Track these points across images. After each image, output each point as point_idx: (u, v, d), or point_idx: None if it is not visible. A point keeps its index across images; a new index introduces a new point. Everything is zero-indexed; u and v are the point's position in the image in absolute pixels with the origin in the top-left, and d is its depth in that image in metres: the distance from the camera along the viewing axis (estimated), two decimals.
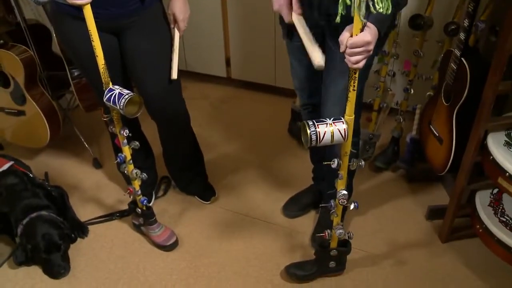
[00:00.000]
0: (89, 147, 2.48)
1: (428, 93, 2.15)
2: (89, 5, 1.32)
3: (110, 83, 1.46)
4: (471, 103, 1.70)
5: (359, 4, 0.94)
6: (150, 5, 1.59)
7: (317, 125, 1.20)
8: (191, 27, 2.77)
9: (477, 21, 1.86)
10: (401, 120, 2.27)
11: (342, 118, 1.22)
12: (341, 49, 1.12)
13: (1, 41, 2.24)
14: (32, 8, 2.77)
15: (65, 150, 2.58)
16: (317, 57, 1.31)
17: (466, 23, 1.73)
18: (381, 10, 0.94)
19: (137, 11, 1.56)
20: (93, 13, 1.34)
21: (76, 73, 2.26)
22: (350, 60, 1.12)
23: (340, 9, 0.98)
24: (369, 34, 1.09)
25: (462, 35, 1.74)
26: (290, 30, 1.53)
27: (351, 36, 1.09)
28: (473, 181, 1.77)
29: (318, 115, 1.58)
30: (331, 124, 1.20)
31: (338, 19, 1.01)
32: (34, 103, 2.27)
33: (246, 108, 2.88)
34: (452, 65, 1.78)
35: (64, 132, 2.44)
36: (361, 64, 1.12)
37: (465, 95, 1.73)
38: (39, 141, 2.40)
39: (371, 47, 1.11)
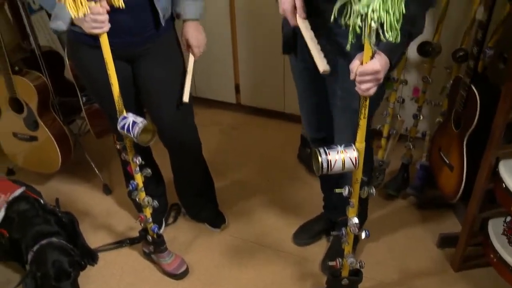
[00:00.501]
0: (100, 173, 2.50)
1: (437, 119, 2.16)
2: (105, 34, 1.35)
3: (124, 111, 1.49)
4: (482, 130, 1.70)
5: (369, 33, 0.96)
6: (164, 32, 1.62)
7: (328, 152, 1.20)
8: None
9: (485, 47, 1.88)
10: (411, 147, 2.27)
11: (353, 145, 1.23)
12: (351, 77, 1.13)
13: (16, 68, 2.28)
14: (46, 35, 2.83)
15: (76, 176, 2.59)
16: (323, 64, 1.31)
17: (474, 50, 1.74)
18: (390, 39, 0.96)
19: (151, 38, 1.59)
20: (108, 41, 1.37)
21: (87, 99, 2.29)
22: (360, 87, 1.13)
23: (350, 37, 1.00)
24: (378, 63, 1.10)
25: (471, 62, 1.76)
26: (294, 42, 1.54)
27: (361, 63, 1.10)
28: (485, 209, 1.76)
29: None
30: (342, 151, 1.21)
31: (348, 47, 1.03)
32: (46, 128, 2.30)
33: (256, 134, 2.89)
34: (462, 92, 1.79)
35: (74, 158, 2.47)
36: (371, 92, 1.13)
37: (475, 122, 1.73)
38: (50, 166, 2.42)
39: (381, 75, 1.12)
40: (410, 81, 2.26)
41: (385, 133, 2.32)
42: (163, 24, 1.57)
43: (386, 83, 2.05)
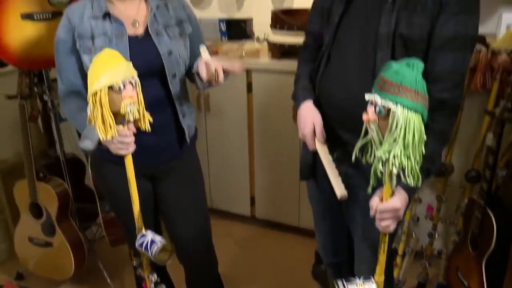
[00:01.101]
0: (111, 282, 2.45)
1: (453, 238, 2.14)
2: (130, 154, 1.42)
3: (143, 229, 1.51)
4: (500, 252, 1.68)
5: (390, 176, 0.98)
6: (187, 151, 1.68)
7: (347, 285, 1.19)
8: (217, 166, 2.91)
9: (497, 168, 1.92)
10: (427, 265, 2.23)
11: (372, 278, 1.21)
12: (371, 213, 1.14)
13: (41, 175, 2.35)
14: (71, 141, 2.95)
15: (87, 283, 2.55)
16: (341, 189, 1.30)
17: (487, 174, 1.79)
18: (412, 184, 0.99)
19: (175, 157, 1.64)
20: (132, 160, 1.42)
21: (105, 208, 2.33)
22: (380, 224, 1.13)
23: (372, 181, 1.03)
24: (399, 201, 1.11)
25: (484, 185, 1.79)
26: (313, 168, 1.55)
27: (381, 200, 1.12)
28: None
29: (342, 275, 1.54)
30: (361, 284, 1.19)
31: (369, 190, 1.05)
32: (62, 235, 2.32)
33: (270, 247, 2.87)
34: (477, 214, 1.80)
35: (87, 264, 2.44)
36: (391, 228, 1.14)
37: (493, 245, 1.72)
38: (62, 273, 2.40)
39: (401, 213, 1.13)
40: (424, 199, 2.28)
41: (400, 251, 2.29)
42: (188, 142, 1.64)
43: None
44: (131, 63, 1.27)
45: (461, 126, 2.09)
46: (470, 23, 1.20)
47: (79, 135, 1.58)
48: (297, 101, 1.46)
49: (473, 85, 2.01)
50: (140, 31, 1.50)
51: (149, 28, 1.49)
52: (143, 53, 1.47)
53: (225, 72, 1.42)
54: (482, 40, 1.98)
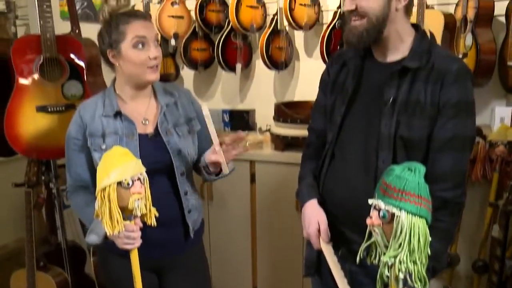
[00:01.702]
0: None
1: None
2: (136, 249, 1.41)
3: None
4: None
5: (397, 279, 0.98)
6: (193, 245, 1.66)
7: None
8: (219, 256, 2.85)
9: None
10: None
11: None
12: None
13: (41, 263, 2.31)
14: (72, 228, 2.93)
15: None
16: None
17: (496, 266, 1.77)
18: None
19: (180, 251, 1.63)
20: (138, 254, 1.41)
21: None
22: None
23: (378, 286, 1.02)
24: None
25: (494, 277, 1.76)
26: (317, 265, 1.52)
27: None
28: None
29: None
30: None
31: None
32: None
33: None
34: None
35: None
36: None
37: None
38: None
39: None
40: None
41: None
42: (192, 237, 1.63)
43: None
44: (140, 160, 1.30)
45: (464, 216, 2.09)
46: (468, 124, 1.25)
47: (81, 222, 1.59)
48: (301, 199, 1.47)
49: (473, 176, 2.05)
50: (150, 129, 1.55)
51: (159, 128, 1.54)
52: (152, 151, 1.51)
53: (230, 155, 1.48)
54: (479, 132, 2.05)
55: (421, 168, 0.97)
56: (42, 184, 2.45)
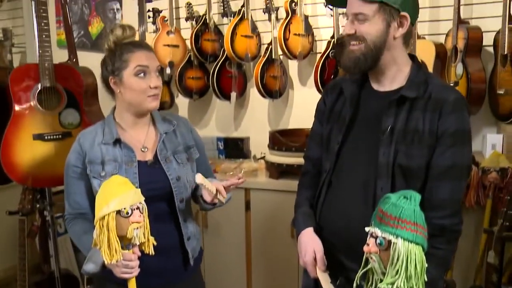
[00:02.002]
0: None
1: None
2: (134, 277, 1.40)
3: None
4: None
5: None
6: (192, 273, 1.65)
7: None
8: (213, 284, 2.80)
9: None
10: None
11: None
12: None
13: None
14: (65, 255, 2.89)
15: None
16: None
17: None
18: None
19: (178, 279, 1.61)
20: (136, 284, 1.39)
21: None
22: None
23: None
24: None
25: None
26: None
27: None
28: None
29: None
30: None
31: None
32: None
33: None
34: None
35: None
36: None
37: None
38: None
39: None
40: None
41: None
42: (191, 264, 1.62)
43: None
44: (139, 189, 1.31)
45: (459, 241, 2.10)
46: (465, 153, 1.27)
47: (75, 249, 1.57)
48: (297, 228, 1.47)
49: (467, 203, 2.07)
50: (149, 156, 1.56)
51: (158, 155, 1.55)
52: (152, 179, 1.52)
53: (227, 189, 1.49)
54: (472, 159, 2.08)
55: (416, 196, 0.99)
56: (36, 212, 2.45)
